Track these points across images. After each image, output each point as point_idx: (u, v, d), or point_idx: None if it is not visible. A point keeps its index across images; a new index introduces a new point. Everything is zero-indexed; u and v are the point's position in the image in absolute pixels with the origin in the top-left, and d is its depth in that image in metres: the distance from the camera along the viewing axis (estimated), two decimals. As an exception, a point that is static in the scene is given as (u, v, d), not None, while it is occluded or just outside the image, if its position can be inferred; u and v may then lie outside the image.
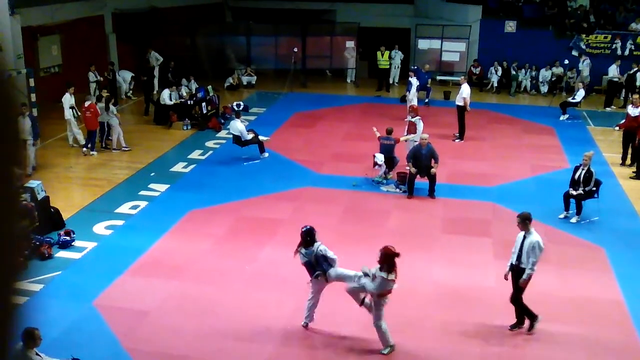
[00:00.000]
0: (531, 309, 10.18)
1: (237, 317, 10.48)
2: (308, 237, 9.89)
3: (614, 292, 11.49)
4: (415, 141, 17.14)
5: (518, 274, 10.06)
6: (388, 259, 9.41)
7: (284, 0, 31.93)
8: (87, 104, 18.77)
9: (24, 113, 16.23)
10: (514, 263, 10.15)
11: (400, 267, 12.14)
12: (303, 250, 9.91)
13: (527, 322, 10.28)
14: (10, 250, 1.38)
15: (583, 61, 27.20)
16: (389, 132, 16.61)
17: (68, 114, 19.11)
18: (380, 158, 16.44)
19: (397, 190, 16.18)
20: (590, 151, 14.96)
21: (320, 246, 9.83)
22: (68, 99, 19.11)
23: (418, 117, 17.85)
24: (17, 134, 1.41)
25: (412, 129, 17.76)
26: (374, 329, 10.03)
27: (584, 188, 14.28)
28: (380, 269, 9.43)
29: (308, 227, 10.03)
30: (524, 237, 10.03)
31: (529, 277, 9.96)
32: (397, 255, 9.43)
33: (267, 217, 14.49)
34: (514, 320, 10.33)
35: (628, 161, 18.36)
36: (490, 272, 12.03)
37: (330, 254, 9.87)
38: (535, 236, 9.95)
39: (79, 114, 19.22)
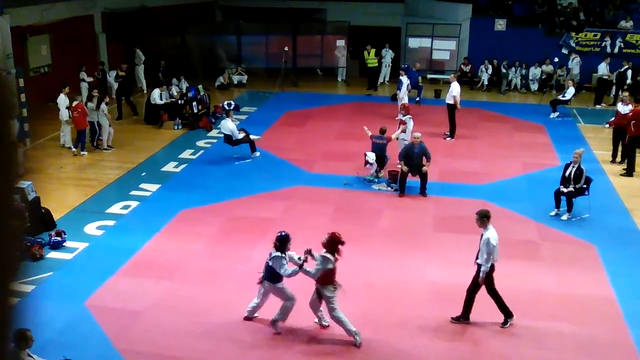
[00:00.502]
0: (471, 310, 10.31)
1: (229, 317, 10.46)
2: (278, 242, 9.86)
3: (605, 289, 11.54)
4: (405, 140, 17.18)
5: (479, 269, 10.17)
6: (332, 244, 9.58)
7: (274, 0, 31.95)
8: (74, 103, 18.71)
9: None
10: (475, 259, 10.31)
11: (393, 265, 12.22)
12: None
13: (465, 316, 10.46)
14: (6, 251, 1.38)
15: (573, 59, 27.29)
16: (382, 131, 16.60)
17: (65, 114, 18.97)
18: (371, 157, 16.45)
19: (389, 188, 16.20)
20: (581, 149, 15.01)
21: (274, 257, 9.76)
22: (63, 100, 19.00)
23: (409, 116, 17.88)
24: (13, 135, 1.41)
25: (402, 127, 17.79)
26: (368, 329, 10.08)
27: (574, 185, 14.34)
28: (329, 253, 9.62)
29: (283, 234, 9.95)
30: (482, 235, 10.11)
31: (484, 273, 10.03)
32: (342, 242, 9.62)
33: (258, 216, 14.48)
34: (503, 316, 10.37)
35: (618, 158, 18.45)
36: (482, 270, 12.06)
37: (282, 268, 9.72)
38: (489, 232, 10.01)
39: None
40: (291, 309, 10.03)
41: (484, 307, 10.75)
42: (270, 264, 9.81)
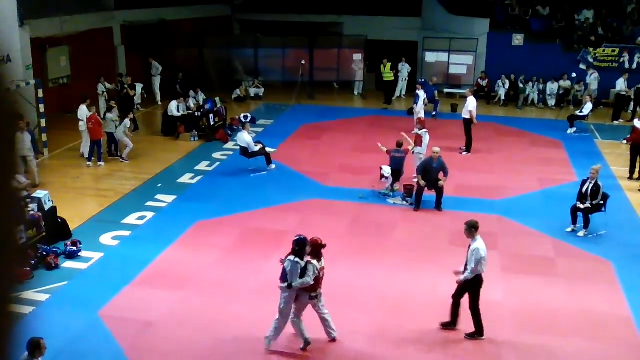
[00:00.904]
0: (482, 323, 10.25)
1: (242, 329, 10.44)
2: (296, 246, 9.75)
3: (621, 306, 11.41)
4: (421, 153, 17.15)
5: (471, 282, 10.16)
6: (314, 249, 9.70)
7: (292, 13, 32.06)
8: (88, 114, 18.80)
9: (22, 128, 16.23)
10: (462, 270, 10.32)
11: (408, 279, 12.16)
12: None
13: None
14: (6, 260, 1.37)
15: (591, 74, 27.17)
16: (399, 144, 16.58)
17: (85, 125, 19.01)
18: (387, 170, 16.43)
19: (404, 202, 16.15)
20: (598, 164, 14.91)
21: (291, 261, 9.66)
22: (84, 111, 19.10)
23: (425, 130, 17.82)
24: (15, 144, 1.41)
25: (418, 141, 17.74)
26: (381, 342, 10.04)
27: (591, 202, 14.23)
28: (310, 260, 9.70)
29: (301, 237, 9.84)
30: (470, 245, 10.15)
31: (466, 278, 10.07)
32: (324, 246, 9.78)
33: (273, 228, 14.48)
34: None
35: (636, 174, 18.27)
36: (497, 286, 11.97)
37: (293, 277, 9.62)
38: (477, 243, 10.04)
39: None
40: (282, 328, 9.95)
41: (499, 322, 10.69)
42: (287, 269, 9.73)
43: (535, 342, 10.25)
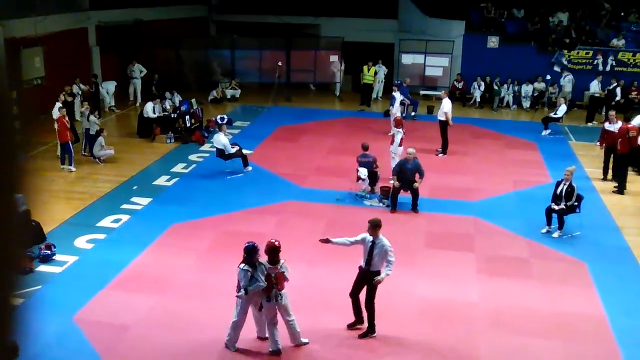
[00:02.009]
0: (375, 322, 10.39)
1: (219, 333, 10.38)
2: (245, 254, 9.73)
3: (596, 307, 11.54)
4: (394, 152, 17.29)
5: (369, 277, 10.30)
6: (271, 252, 9.77)
7: (268, 15, 32.03)
8: (57, 115, 18.46)
9: None
10: (363, 267, 10.41)
11: (384, 282, 12.17)
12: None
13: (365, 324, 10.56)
14: (9, 263, 1.38)
15: (565, 76, 27.44)
16: (365, 147, 16.62)
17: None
18: (363, 172, 16.47)
19: (381, 204, 16.20)
20: (572, 166, 15.06)
21: (241, 269, 9.69)
22: (55, 112, 18.84)
23: (398, 130, 17.88)
24: (15, 148, 1.42)
25: (392, 140, 17.90)
26: (354, 342, 10.07)
27: (565, 203, 14.38)
28: (268, 262, 9.79)
29: (249, 245, 9.78)
30: (373, 243, 10.28)
31: (386, 275, 10.24)
32: (279, 248, 9.85)
33: (250, 231, 14.41)
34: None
35: (609, 176, 18.46)
36: (473, 287, 12.06)
37: (244, 282, 9.64)
38: (385, 241, 10.30)
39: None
40: (238, 329, 9.93)
41: (474, 324, 10.75)
42: (238, 276, 9.73)
43: (511, 343, 10.33)
